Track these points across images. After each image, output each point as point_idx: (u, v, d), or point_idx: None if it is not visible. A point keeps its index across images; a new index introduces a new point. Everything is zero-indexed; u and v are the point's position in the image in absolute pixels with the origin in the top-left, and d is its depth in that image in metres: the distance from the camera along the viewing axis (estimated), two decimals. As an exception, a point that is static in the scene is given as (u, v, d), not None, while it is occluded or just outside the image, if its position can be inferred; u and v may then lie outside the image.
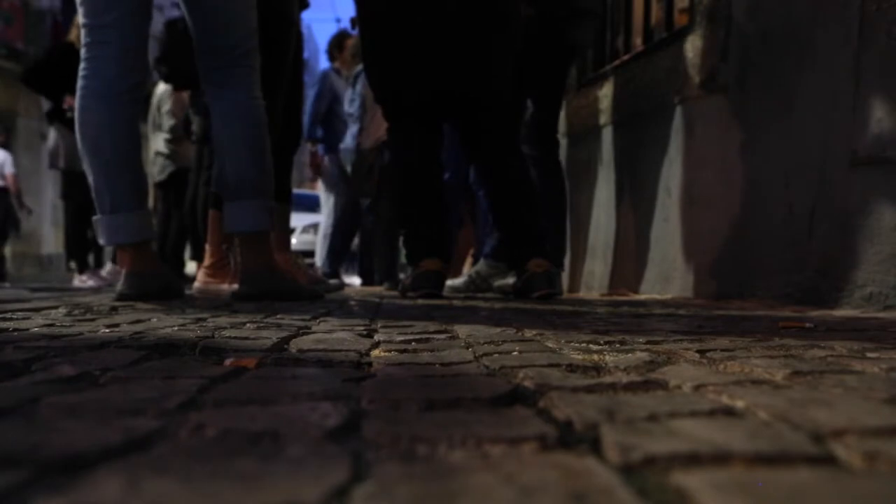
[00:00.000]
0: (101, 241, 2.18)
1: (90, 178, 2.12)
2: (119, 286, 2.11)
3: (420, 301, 2.27)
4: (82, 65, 2.12)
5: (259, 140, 2.20)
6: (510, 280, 2.87)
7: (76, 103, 2.13)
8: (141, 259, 2.12)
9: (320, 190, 5.71)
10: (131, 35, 2.11)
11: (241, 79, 2.17)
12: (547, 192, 3.00)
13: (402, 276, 4.02)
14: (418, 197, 2.63)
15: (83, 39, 2.11)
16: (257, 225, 2.20)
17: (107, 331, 1.16)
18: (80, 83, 2.11)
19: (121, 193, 2.10)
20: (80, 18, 2.11)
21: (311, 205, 6.42)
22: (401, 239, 5.44)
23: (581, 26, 3.02)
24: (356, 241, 5.86)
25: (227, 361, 0.81)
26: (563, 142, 3.73)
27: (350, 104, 4.98)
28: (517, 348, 0.92)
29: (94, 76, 2.09)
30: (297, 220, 9.51)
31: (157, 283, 2.11)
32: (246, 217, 2.18)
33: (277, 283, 2.17)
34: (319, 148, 5.53)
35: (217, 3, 2.13)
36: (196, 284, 2.73)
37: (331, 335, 1.10)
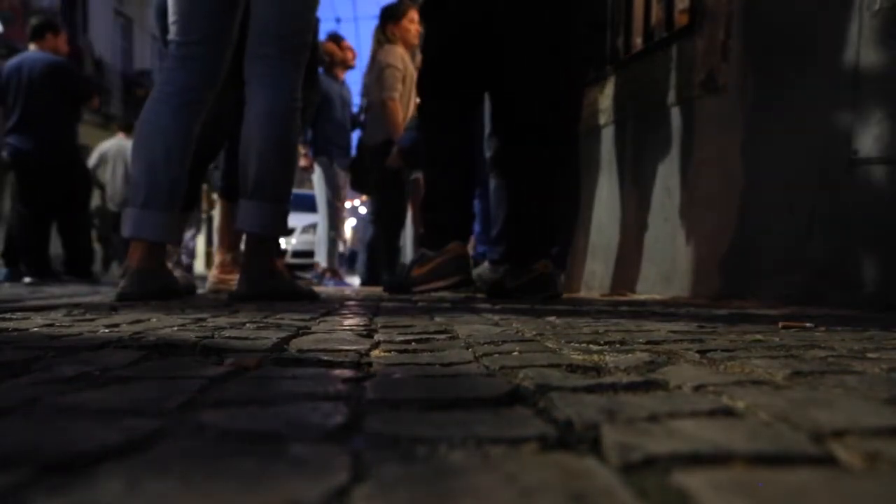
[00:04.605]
0: (124, 233, 2.20)
1: (133, 170, 2.19)
2: (120, 285, 2.12)
3: (419, 301, 2.27)
4: (164, 75, 2.20)
5: (292, 146, 2.23)
6: (486, 269, 2.87)
7: (146, 104, 2.19)
8: (150, 258, 2.13)
9: (316, 191, 5.68)
10: (216, 54, 2.20)
11: (286, 74, 2.19)
12: (562, 189, 3.04)
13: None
14: (448, 179, 2.60)
15: (170, 54, 2.19)
16: (269, 228, 2.21)
17: (106, 331, 1.15)
18: (155, 88, 2.20)
19: (158, 192, 2.14)
20: (172, 37, 2.19)
21: (311, 205, 6.42)
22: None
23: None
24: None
25: (227, 361, 0.81)
26: (562, 141, 3.73)
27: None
28: (517, 348, 0.92)
29: (172, 82, 2.17)
30: (297, 220, 9.51)
31: (157, 283, 2.12)
32: (260, 218, 2.20)
33: (276, 284, 2.18)
34: (310, 150, 5.52)
35: None
36: (209, 284, 2.81)
37: (331, 335, 1.10)
